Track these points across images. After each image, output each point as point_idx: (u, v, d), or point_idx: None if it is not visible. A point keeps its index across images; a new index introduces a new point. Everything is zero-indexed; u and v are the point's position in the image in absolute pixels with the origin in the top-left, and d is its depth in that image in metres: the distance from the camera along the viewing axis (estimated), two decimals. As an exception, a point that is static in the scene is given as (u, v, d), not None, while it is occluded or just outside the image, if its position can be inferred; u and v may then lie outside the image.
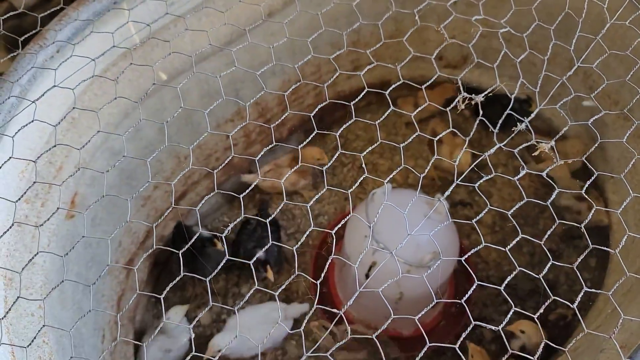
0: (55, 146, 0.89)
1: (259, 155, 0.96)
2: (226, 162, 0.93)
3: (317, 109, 0.98)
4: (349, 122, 1.08)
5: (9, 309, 0.74)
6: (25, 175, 0.99)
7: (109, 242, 0.90)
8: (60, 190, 1.09)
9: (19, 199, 0.91)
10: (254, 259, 1.47)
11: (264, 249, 1.44)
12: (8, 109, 0.93)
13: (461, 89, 0.92)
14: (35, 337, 0.74)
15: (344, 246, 1.67)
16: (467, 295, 0.85)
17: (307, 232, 0.87)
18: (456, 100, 0.91)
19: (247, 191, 0.87)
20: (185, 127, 1.46)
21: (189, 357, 0.75)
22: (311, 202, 0.83)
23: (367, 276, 1.55)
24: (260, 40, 1.43)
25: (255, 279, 0.75)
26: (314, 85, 1.78)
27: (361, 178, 1.03)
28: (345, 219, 1.36)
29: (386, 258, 1.45)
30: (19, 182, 0.99)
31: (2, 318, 0.73)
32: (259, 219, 1.60)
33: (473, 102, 0.97)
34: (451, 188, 0.97)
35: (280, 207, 0.98)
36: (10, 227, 0.82)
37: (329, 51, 1.72)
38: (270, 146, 0.99)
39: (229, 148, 1.67)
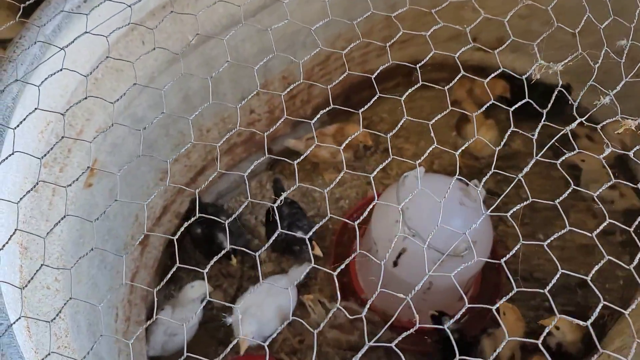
0: (86, 98, 0.80)
1: (315, 119, 0.88)
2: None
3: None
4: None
5: (31, 278, 0.66)
6: (45, 136, 0.91)
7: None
8: (79, 155, 1.01)
9: (43, 156, 0.83)
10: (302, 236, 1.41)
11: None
12: (32, 59, 0.84)
13: (538, 56, 0.83)
14: (60, 311, 0.66)
15: (369, 231, 1.58)
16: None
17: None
18: (532, 69, 0.82)
19: (300, 159, 0.79)
20: (210, 97, 1.38)
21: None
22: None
23: (395, 264, 1.47)
24: (294, 8, 1.34)
25: (312, 256, 0.67)
26: (341, 61, 1.70)
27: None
28: (371, 205, 1.30)
29: (417, 246, 1.37)
30: (38, 144, 0.90)
31: (24, 288, 0.65)
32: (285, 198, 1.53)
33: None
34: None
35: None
36: (34, 187, 0.74)
37: (363, 25, 1.64)
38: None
39: (252, 123, 1.59)
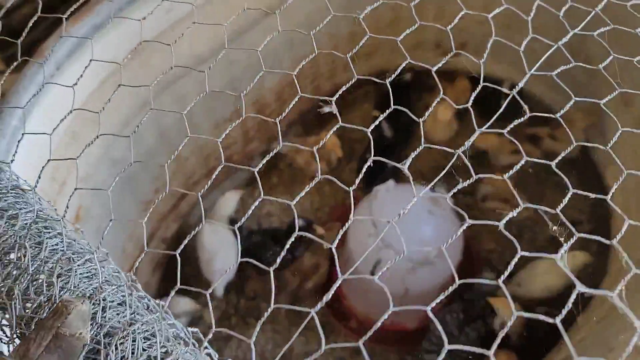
0: (71, 159, 0.87)
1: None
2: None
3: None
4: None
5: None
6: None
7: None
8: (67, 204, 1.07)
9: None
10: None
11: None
12: (12, 130, 0.90)
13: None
14: None
15: (347, 241, 1.67)
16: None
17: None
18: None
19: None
20: (184, 130, 1.44)
21: None
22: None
23: (372, 273, 1.55)
24: (259, 37, 1.40)
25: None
26: (310, 78, 1.76)
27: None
28: (346, 226, 1.35)
29: (391, 256, 1.45)
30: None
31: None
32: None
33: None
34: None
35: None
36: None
37: (327, 42, 1.70)
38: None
39: (227, 147, 1.65)
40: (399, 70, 0.81)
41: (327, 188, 1.97)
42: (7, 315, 0.40)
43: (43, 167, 0.59)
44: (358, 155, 1.94)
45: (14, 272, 0.40)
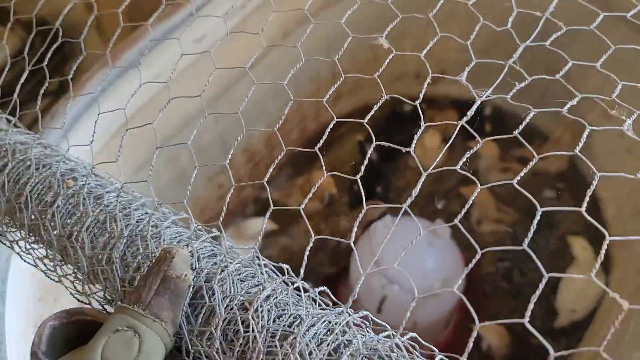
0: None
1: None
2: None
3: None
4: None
5: None
6: (37, 276, 0.97)
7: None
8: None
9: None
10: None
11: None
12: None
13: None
14: None
15: (349, 279, 1.66)
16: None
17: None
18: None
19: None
20: (180, 185, 1.45)
21: None
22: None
23: (379, 310, 1.55)
24: (244, 91, 1.43)
25: None
26: (296, 121, 1.78)
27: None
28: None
29: (396, 291, 1.45)
30: (32, 284, 0.97)
31: None
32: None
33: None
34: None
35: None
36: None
37: (309, 86, 1.73)
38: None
39: (222, 196, 1.66)
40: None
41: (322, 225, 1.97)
42: (109, 282, 0.44)
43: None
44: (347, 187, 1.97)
45: (111, 242, 0.44)
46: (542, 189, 1.77)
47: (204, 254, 0.44)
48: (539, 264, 0.36)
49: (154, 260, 0.39)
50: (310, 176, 1.90)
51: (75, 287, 0.52)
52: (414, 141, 0.79)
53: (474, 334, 0.32)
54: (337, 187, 1.92)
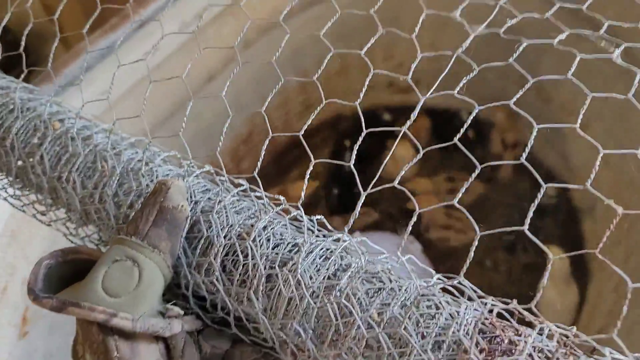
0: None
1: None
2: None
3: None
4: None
5: None
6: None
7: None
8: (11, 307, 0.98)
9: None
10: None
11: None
12: None
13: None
14: None
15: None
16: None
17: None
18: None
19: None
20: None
21: None
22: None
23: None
24: (204, 102, 1.36)
25: None
26: (264, 134, 1.73)
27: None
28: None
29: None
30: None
31: None
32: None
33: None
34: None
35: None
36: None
37: (277, 96, 1.67)
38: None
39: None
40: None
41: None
42: (102, 222, 0.43)
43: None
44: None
45: (103, 180, 0.44)
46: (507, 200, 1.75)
47: (197, 189, 0.44)
48: (537, 175, 0.37)
49: (148, 193, 0.39)
50: (284, 187, 1.84)
51: (68, 229, 0.49)
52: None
53: (475, 243, 0.32)
54: (312, 197, 1.88)
